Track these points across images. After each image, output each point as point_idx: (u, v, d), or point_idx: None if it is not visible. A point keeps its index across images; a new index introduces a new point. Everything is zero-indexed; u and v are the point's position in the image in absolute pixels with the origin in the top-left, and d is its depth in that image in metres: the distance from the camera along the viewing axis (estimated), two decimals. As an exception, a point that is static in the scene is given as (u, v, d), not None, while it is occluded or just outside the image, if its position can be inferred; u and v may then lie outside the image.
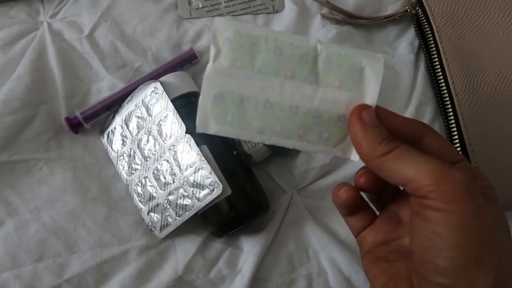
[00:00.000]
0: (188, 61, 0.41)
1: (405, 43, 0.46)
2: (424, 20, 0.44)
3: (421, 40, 0.45)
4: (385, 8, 0.46)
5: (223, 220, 0.36)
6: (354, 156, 0.26)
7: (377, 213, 0.29)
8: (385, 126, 0.25)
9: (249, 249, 0.37)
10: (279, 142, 0.26)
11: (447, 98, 0.42)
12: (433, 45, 0.44)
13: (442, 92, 0.42)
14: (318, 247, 0.38)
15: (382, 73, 0.25)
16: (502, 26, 0.43)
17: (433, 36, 0.44)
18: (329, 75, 0.25)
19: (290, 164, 0.41)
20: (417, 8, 0.45)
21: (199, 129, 0.25)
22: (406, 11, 0.45)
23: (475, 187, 0.22)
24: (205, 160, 0.35)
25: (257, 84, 0.25)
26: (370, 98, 0.25)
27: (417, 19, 0.46)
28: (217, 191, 0.34)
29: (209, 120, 0.25)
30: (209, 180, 0.35)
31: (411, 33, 0.46)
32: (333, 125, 0.26)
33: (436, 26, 0.43)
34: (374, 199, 0.30)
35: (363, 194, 0.29)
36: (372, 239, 0.28)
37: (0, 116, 0.36)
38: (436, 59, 0.43)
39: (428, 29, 0.44)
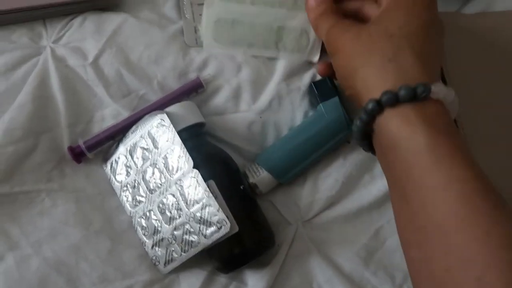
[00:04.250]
0: (194, 90, 0.40)
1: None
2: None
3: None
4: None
5: (228, 256, 0.36)
6: None
7: None
8: None
9: (254, 284, 0.37)
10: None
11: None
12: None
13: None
14: (322, 281, 0.38)
15: None
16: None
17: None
18: None
19: (296, 194, 0.41)
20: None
21: None
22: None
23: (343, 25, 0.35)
24: (213, 197, 0.34)
25: None
26: None
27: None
28: (225, 229, 0.34)
29: None
30: (217, 217, 0.34)
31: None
32: None
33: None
34: None
35: None
36: None
37: (1, 146, 0.35)
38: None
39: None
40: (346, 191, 0.40)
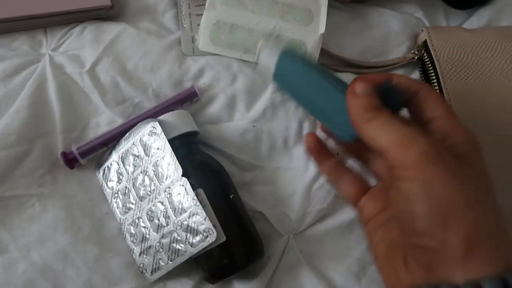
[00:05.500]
0: (189, 99, 0.40)
1: (409, 86, 0.45)
2: (429, 65, 0.44)
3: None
4: (391, 51, 0.46)
5: (215, 266, 0.35)
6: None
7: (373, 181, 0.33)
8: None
9: (242, 296, 0.36)
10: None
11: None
12: (438, 90, 0.43)
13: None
14: (313, 295, 0.37)
15: None
16: (509, 74, 0.43)
17: (438, 81, 0.43)
18: None
19: (288, 206, 0.40)
20: (422, 52, 0.45)
21: None
22: (413, 58, 0.44)
23: (440, 151, 0.24)
24: (200, 206, 0.34)
25: None
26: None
27: (422, 62, 0.45)
28: (211, 238, 0.33)
29: None
30: (204, 226, 0.34)
31: (416, 75, 0.46)
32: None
33: (441, 71, 0.43)
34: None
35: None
36: (373, 207, 0.30)
37: (-5, 151, 0.36)
38: (441, 105, 0.43)
39: (433, 74, 0.44)
40: (338, 203, 0.40)
